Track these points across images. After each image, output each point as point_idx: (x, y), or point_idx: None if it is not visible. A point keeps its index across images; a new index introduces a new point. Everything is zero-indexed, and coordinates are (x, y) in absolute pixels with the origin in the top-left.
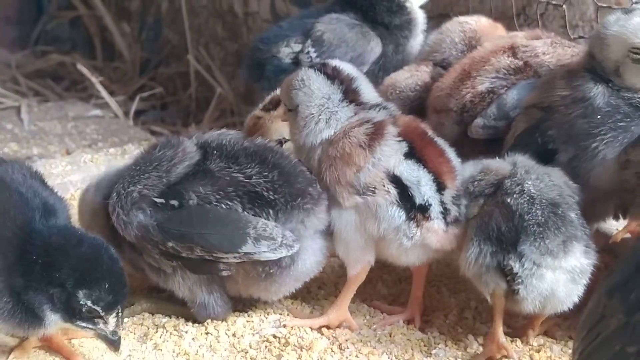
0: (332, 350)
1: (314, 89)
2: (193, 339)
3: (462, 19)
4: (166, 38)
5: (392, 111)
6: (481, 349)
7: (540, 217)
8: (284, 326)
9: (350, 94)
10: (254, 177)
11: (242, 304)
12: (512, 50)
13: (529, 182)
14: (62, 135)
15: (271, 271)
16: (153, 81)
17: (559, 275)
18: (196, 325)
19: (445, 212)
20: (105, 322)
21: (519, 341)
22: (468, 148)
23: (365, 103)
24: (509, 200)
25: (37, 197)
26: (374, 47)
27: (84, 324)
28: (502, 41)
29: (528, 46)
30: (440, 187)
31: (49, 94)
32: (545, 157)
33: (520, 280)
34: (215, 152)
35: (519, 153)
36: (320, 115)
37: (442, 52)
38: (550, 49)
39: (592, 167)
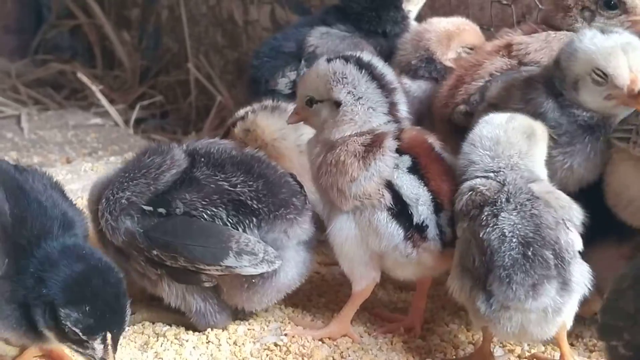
0: (333, 359)
1: (361, 90)
2: (194, 347)
3: (423, 24)
4: (166, 46)
5: (402, 125)
6: None
7: (507, 260)
8: (285, 335)
9: (392, 108)
10: (238, 185)
11: (243, 313)
12: (508, 49)
13: (504, 215)
14: (62, 144)
15: (253, 281)
16: (153, 89)
17: (529, 316)
18: (197, 333)
19: (441, 233)
20: (92, 348)
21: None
22: None
23: (398, 119)
24: (482, 234)
25: (56, 207)
26: None
27: (74, 347)
28: (499, 40)
29: (522, 44)
30: (438, 208)
31: (49, 103)
32: None
33: (489, 320)
34: (202, 159)
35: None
36: (359, 121)
37: (403, 58)
38: (544, 44)
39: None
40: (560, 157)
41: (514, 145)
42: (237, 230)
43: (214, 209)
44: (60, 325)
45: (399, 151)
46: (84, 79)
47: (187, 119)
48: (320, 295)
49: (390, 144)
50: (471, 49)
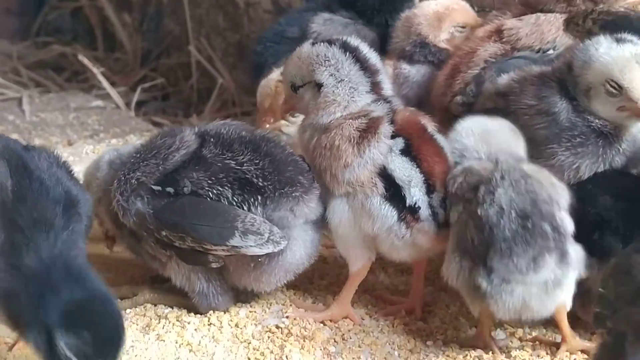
0: (335, 341)
1: (344, 73)
2: (195, 329)
3: (412, 9)
4: (167, 29)
5: (394, 105)
6: None
7: (507, 233)
8: (287, 317)
9: (375, 87)
10: (245, 164)
11: (244, 295)
12: (499, 33)
13: (500, 191)
14: (63, 126)
15: (260, 260)
16: (154, 72)
17: (531, 289)
18: (199, 316)
19: (434, 215)
20: None
21: None
22: None
23: (384, 97)
24: (479, 211)
25: (59, 186)
26: (370, 44)
27: None
28: (490, 25)
29: (513, 29)
30: (430, 189)
31: (50, 85)
32: None
33: (490, 296)
34: (212, 140)
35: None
36: (343, 102)
37: (397, 45)
38: (534, 28)
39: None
40: (571, 157)
41: (504, 136)
42: (243, 208)
43: (219, 188)
44: (56, 351)
45: (393, 134)
46: (85, 61)
47: (188, 102)
48: (321, 277)
49: (385, 129)
50: (463, 27)
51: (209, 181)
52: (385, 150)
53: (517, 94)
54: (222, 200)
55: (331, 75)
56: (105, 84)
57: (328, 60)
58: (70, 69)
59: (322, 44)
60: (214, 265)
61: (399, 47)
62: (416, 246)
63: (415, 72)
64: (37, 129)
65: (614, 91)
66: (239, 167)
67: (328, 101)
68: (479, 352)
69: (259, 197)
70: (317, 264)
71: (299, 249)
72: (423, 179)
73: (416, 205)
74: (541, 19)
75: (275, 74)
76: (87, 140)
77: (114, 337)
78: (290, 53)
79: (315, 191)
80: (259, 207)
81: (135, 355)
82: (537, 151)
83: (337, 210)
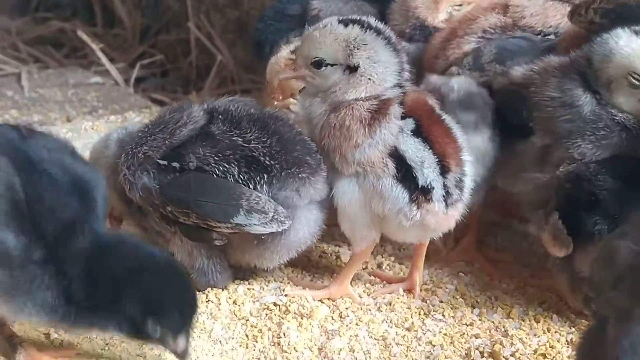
0: (333, 319)
1: (379, 56)
2: None
3: None
4: (166, 5)
5: (406, 87)
6: (478, 318)
7: None
8: (285, 295)
9: (400, 69)
10: (252, 141)
11: (242, 272)
12: (504, 7)
13: None
14: (62, 103)
15: (263, 238)
16: (153, 48)
17: None
18: (197, 293)
19: (447, 195)
20: (175, 341)
21: None
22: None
23: (404, 80)
24: None
25: (69, 173)
26: None
27: (151, 344)
28: None
29: (519, 6)
30: (444, 170)
31: (49, 61)
32: (521, 130)
33: None
34: (220, 116)
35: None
36: (377, 82)
37: (396, 28)
38: (540, 10)
39: (563, 160)
40: (594, 149)
41: None
42: (248, 186)
43: (226, 165)
44: (142, 332)
45: (402, 115)
46: (85, 37)
47: (187, 78)
48: (320, 255)
49: (395, 110)
50: (460, 5)
51: (216, 158)
52: (396, 131)
53: (538, 85)
54: (228, 178)
55: (368, 58)
56: (104, 60)
57: (366, 45)
58: (69, 45)
59: (355, 25)
60: (217, 242)
61: (398, 29)
62: (423, 227)
63: (415, 48)
64: (36, 104)
65: (637, 83)
66: (246, 145)
67: (362, 82)
68: (475, 330)
69: (265, 176)
70: (316, 242)
71: (302, 228)
72: (437, 160)
73: (429, 186)
74: (549, 3)
75: (284, 52)
76: (85, 116)
77: (193, 303)
78: (291, 30)
79: (322, 172)
80: (264, 186)
81: None
82: (559, 143)
83: (347, 190)
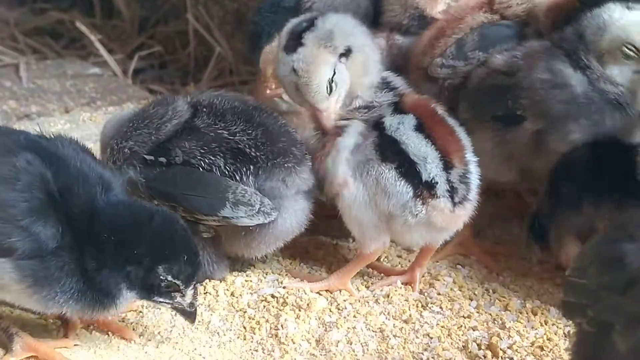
0: (330, 311)
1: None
2: None
3: None
4: None
5: (400, 90)
6: (475, 310)
7: None
8: (284, 287)
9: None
10: (237, 134)
11: (240, 264)
12: (490, 4)
13: None
14: (60, 94)
15: (251, 229)
16: (152, 40)
17: None
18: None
19: (452, 190)
20: (183, 295)
21: None
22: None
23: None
24: None
25: (93, 172)
26: (364, 12)
27: (161, 299)
28: None
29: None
30: (448, 166)
31: (47, 52)
32: (511, 120)
33: None
34: (204, 109)
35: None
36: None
37: (393, 19)
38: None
39: (559, 145)
40: (594, 128)
41: None
42: (235, 178)
43: (212, 157)
44: (151, 281)
45: (402, 110)
46: (83, 28)
47: (185, 70)
48: (317, 247)
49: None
50: None
51: (201, 150)
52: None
53: (525, 70)
54: (215, 170)
55: (365, 54)
56: (102, 51)
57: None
58: (67, 36)
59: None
60: (205, 235)
61: (395, 20)
62: (430, 226)
63: (408, 42)
64: (34, 95)
65: (632, 54)
66: (231, 137)
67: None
68: (473, 322)
69: (252, 167)
70: (314, 234)
71: (289, 218)
72: (439, 156)
73: (433, 181)
74: None
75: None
76: (84, 107)
77: (197, 251)
78: (286, 22)
79: (307, 162)
80: (251, 177)
81: (131, 323)
82: (553, 126)
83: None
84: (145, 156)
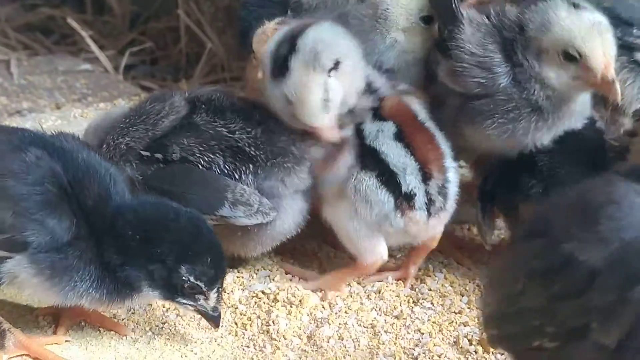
0: (322, 306)
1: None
2: None
3: None
4: None
5: (382, 92)
6: (466, 306)
7: None
8: (275, 283)
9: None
10: (237, 132)
11: (232, 261)
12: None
13: None
14: (51, 90)
15: (248, 229)
16: (143, 36)
17: None
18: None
19: (429, 202)
20: (207, 298)
21: None
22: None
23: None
24: None
25: (101, 165)
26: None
27: (184, 301)
28: None
29: None
30: (426, 177)
31: (38, 48)
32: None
33: None
34: (203, 106)
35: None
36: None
37: None
38: None
39: (473, 135)
40: (502, 132)
41: None
42: (234, 177)
43: (211, 155)
44: (173, 281)
45: (381, 117)
46: (74, 24)
47: (177, 66)
48: (308, 243)
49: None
50: None
51: (200, 148)
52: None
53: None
54: (214, 168)
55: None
56: (93, 47)
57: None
58: (58, 32)
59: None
60: None
61: None
62: (406, 234)
63: None
64: (25, 92)
65: (573, 58)
66: (231, 135)
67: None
68: (464, 318)
69: (251, 166)
70: (305, 230)
71: (287, 218)
72: (418, 167)
73: (412, 193)
74: None
75: (271, 24)
76: (75, 103)
77: (223, 254)
78: (274, 16)
79: (306, 162)
80: (250, 176)
81: (123, 319)
82: (468, 118)
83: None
84: (141, 152)
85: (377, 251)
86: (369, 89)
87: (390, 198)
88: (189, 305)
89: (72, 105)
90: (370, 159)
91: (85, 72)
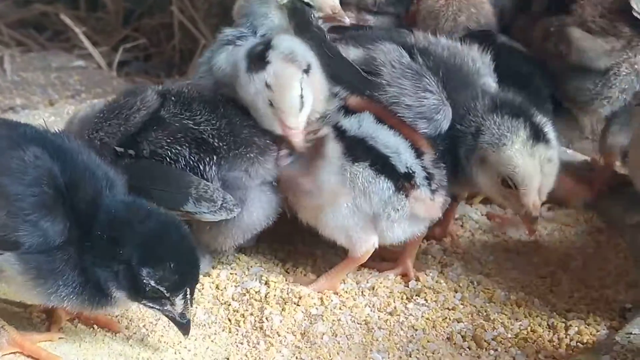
0: (316, 303)
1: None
2: None
3: None
4: None
5: (341, 94)
6: (460, 302)
7: None
8: (269, 280)
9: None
10: (202, 124)
11: (225, 257)
12: None
13: None
14: (45, 86)
15: (217, 222)
16: (136, 32)
17: None
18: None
19: (429, 176)
20: (172, 304)
21: None
22: None
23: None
24: None
25: (99, 168)
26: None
27: (150, 304)
28: None
29: None
30: (419, 153)
31: (32, 44)
32: None
33: None
34: (172, 99)
35: None
36: None
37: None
38: None
39: None
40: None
41: None
42: (199, 168)
43: (177, 147)
44: (137, 283)
45: (351, 111)
46: (67, 20)
47: (170, 63)
48: (302, 242)
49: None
50: None
51: (167, 140)
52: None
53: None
54: (180, 159)
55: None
56: (87, 43)
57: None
58: (52, 29)
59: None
60: None
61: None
62: (413, 218)
63: (380, 23)
64: (19, 88)
65: (508, 186)
66: (196, 127)
67: None
68: (458, 314)
69: (214, 157)
70: (299, 227)
71: (256, 210)
72: (409, 144)
73: (411, 171)
74: None
75: None
76: (68, 100)
77: (193, 261)
78: None
79: (271, 153)
80: (213, 167)
81: (117, 316)
82: None
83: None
84: (115, 147)
85: (370, 240)
86: (331, 94)
87: (390, 183)
88: (156, 309)
89: (65, 102)
90: (359, 149)
91: (78, 68)
